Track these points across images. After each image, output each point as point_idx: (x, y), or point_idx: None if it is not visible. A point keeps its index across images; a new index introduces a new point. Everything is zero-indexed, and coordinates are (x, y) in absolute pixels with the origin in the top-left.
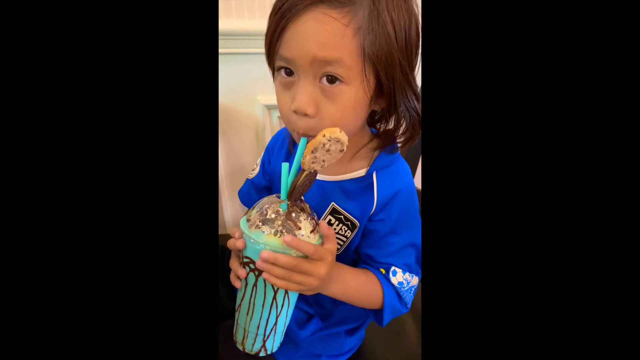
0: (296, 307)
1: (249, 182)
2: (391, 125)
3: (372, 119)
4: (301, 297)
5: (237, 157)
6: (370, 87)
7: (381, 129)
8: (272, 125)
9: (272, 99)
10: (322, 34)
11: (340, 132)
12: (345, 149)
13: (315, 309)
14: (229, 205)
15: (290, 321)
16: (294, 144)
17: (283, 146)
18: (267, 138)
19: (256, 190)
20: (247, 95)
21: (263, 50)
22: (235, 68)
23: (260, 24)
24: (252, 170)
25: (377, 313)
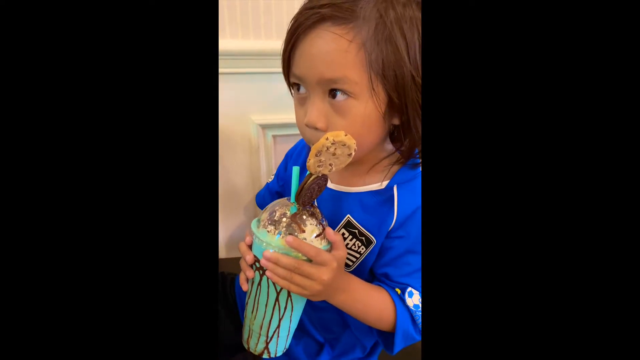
0: (306, 334)
1: (266, 186)
2: (406, 141)
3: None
4: (309, 322)
5: (230, 178)
6: (380, 101)
7: (399, 145)
8: (266, 145)
9: (266, 119)
10: (328, 53)
11: (346, 135)
12: (353, 153)
13: (324, 334)
14: (222, 227)
15: (301, 354)
16: None
17: (302, 153)
18: (262, 158)
19: (270, 195)
20: (241, 114)
21: (257, 69)
22: (229, 88)
23: (254, 44)
24: (272, 175)
25: (388, 339)
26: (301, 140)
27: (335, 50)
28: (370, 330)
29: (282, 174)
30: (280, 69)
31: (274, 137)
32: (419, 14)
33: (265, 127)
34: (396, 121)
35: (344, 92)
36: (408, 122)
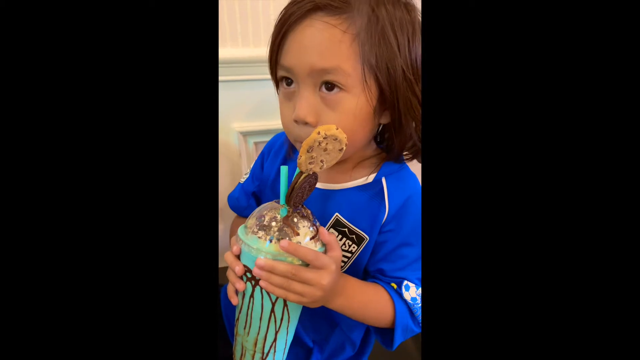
0: (293, 339)
1: (239, 187)
2: (397, 138)
3: (380, 137)
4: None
5: None
6: (372, 94)
7: (387, 143)
8: (248, 152)
9: (247, 126)
10: (320, 42)
11: (337, 129)
12: (344, 148)
13: (312, 335)
14: None
15: None
16: (293, 149)
17: (281, 151)
18: (243, 165)
19: (245, 196)
20: (222, 122)
21: (238, 77)
22: None
23: (232, 52)
24: (245, 174)
25: (386, 335)
26: (278, 136)
27: (328, 39)
28: (358, 323)
29: (258, 173)
30: (260, 76)
31: (256, 144)
32: (407, 16)
33: (246, 134)
34: (385, 119)
35: (335, 84)
36: (399, 119)
